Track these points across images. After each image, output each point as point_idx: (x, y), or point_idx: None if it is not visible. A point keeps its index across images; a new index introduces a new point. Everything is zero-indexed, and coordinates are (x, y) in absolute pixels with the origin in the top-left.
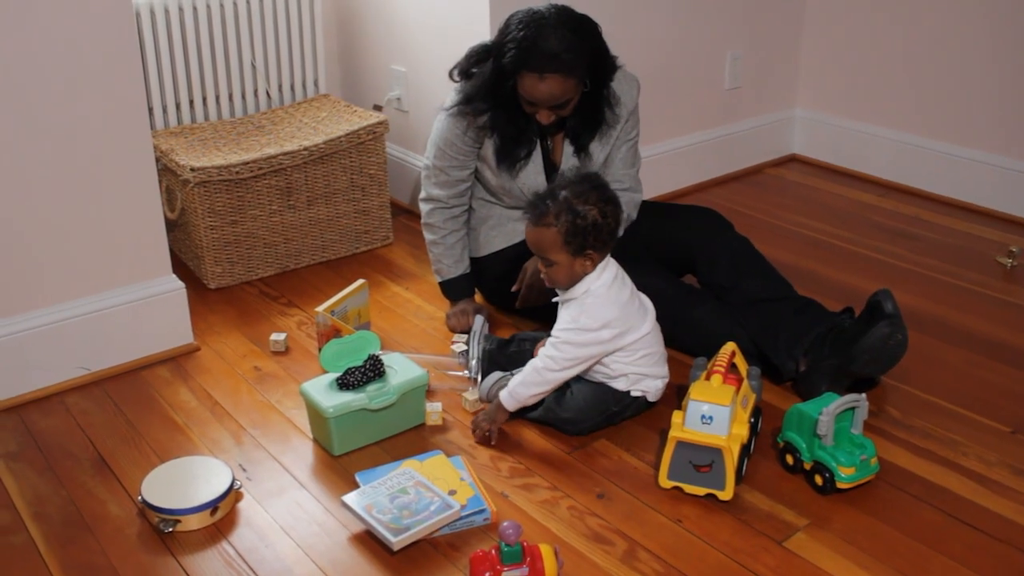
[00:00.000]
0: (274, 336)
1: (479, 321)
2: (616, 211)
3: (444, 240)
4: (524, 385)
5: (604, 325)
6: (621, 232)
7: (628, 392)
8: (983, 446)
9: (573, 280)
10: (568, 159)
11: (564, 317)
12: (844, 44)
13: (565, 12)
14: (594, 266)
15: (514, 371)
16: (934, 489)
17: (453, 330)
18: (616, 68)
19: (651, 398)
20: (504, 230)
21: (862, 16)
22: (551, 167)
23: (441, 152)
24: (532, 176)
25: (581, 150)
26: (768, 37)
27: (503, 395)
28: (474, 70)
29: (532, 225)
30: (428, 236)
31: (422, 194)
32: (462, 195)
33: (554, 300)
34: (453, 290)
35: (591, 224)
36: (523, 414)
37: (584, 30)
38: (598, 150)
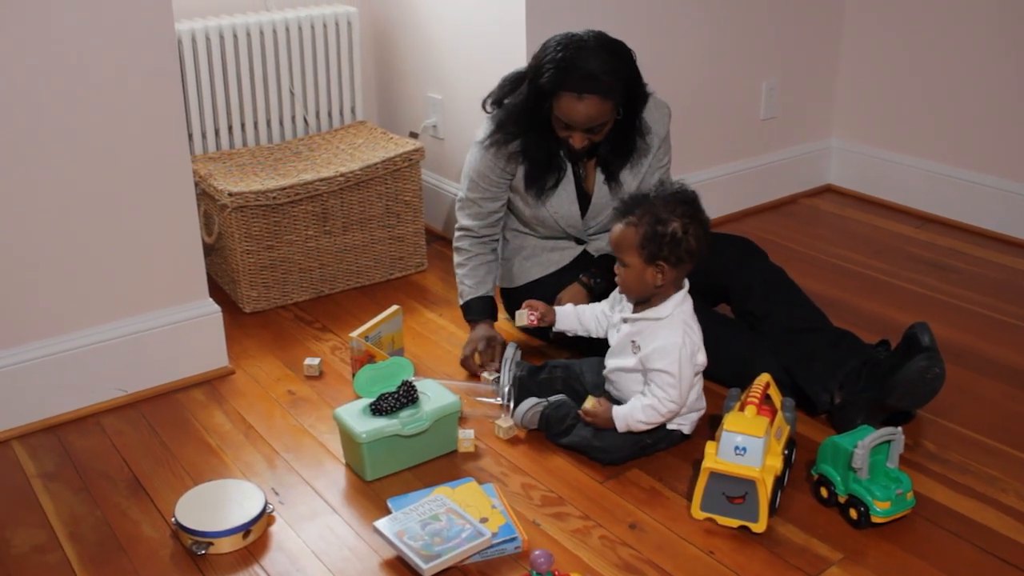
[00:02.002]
0: (308, 361)
1: (511, 348)
2: (700, 232)
3: (468, 262)
4: (644, 423)
5: (699, 348)
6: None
7: (663, 424)
8: (1022, 482)
9: (642, 290)
10: (600, 187)
11: (656, 342)
12: (880, 74)
13: (603, 36)
14: (664, 279)
15: (550, 398)
16: (971, 525)
17: (464, 363)
18: (647, 97)
19: (687, 431)
20: (539, 260)
21: (898, 46)
22: (584, 196)
23: (474, 184)
24: (566, 205)
25: (612, 178)
26: (804, 67)
27: (617, 419)
28: (507, 100)
29: (617, 222)
30: (455, 259)
31: (456, 224)
32: (494, 225)
33: (625, 318)
34: (471, 310)
35: (669, 235)
36: (557, 439)
37: (621, 55)
38: (630, 179)
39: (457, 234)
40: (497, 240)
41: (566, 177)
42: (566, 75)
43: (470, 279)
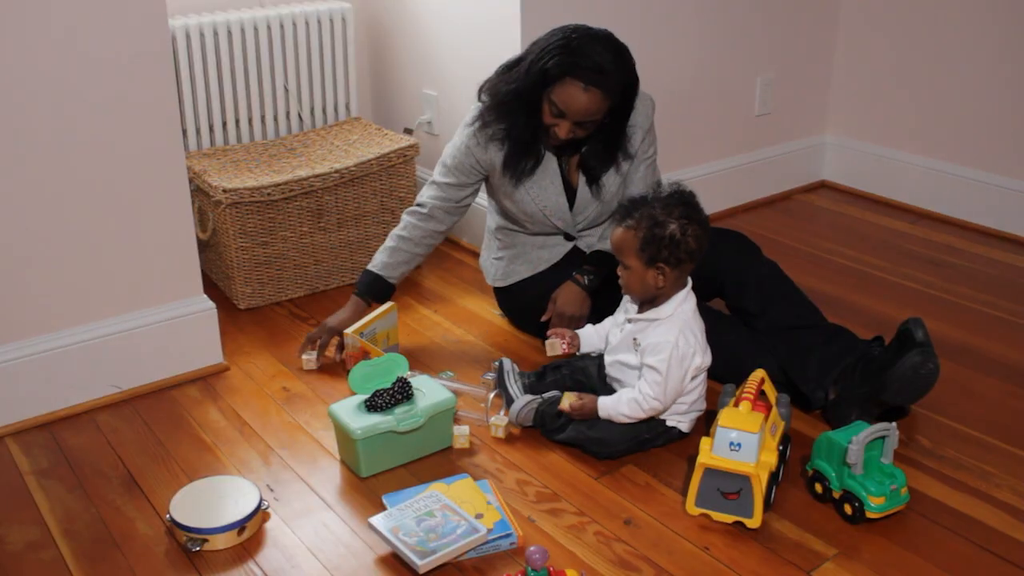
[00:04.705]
0: (306, 355)
1: (507, 362)
2: (699, 232)
3: (398, 242)
4: (626, 416)
5: (695, 351)
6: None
7: (663, 420)
8: (1016, 477)
9: (644, 292)
10: (583, 184)
11: (653, 338)
12: (875, 70)
13: (613, 36)
14: (665, 281)
15: (544, 395)
16: (965, 520)
17: (309, 339)
18: (633, 108)
19: (685, 428)
20: (528, 259)
21: (893, 42)
22: (571, 189)
23: (446, 169)
24: (553, 198)
25: (593, 182)
26: (799, 63)
27: (601, 408)
28: (501, 85)
29: (616, 225)
30: (395, 228)
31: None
32: (447, 212)
33: (629, 319)
34: (362, 282)
35: (668, 237)
36: (553, 435)
37: (627, 58)
38: (614, 177)
39: (410, 208)
40: (437, 237)
41: (551, 170)
42: (576, 62)
43: (386, 255)
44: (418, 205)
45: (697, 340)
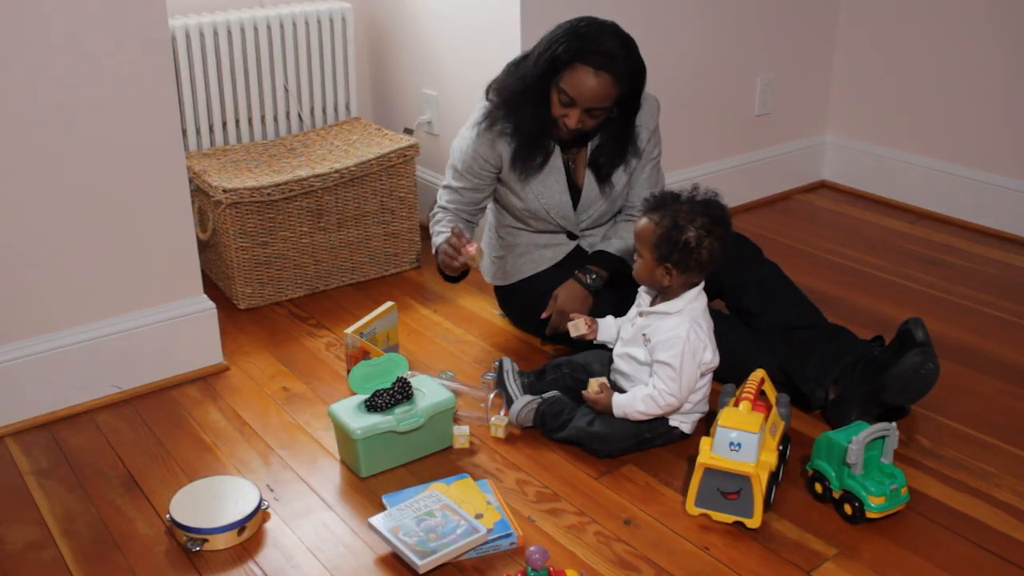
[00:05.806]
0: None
1: (507, 361)
2: (715, 247)
3: (445, 216)
4: (641, 412)
5: (705, 346)
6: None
7: (665, 420)
8: (1016, 477)
9: (651, 284)
10: (590, 183)
11: (662, 334)
12: (874, 70)
13: (619, 27)
14: (671, 281)
15: (544, 395)
16: (965, 520)
17: (446, 249)
18: (640, 105)
19: (687, 429)
20: (531, 257)
21: (893, 42)
22: (575, 188)
23: (458, 174)
24: (557, 196)
25: (602, 180)
26: (798, 63)
27: (616, 406)
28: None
29: (642, 213)
30: (431, 224)
31: (435, 204)
32: (472, 215)
33: (640, 312)
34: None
35: (682, 242)
36: (553, 435)
37: (635, 48)
38: (621, 175)
39: (433, 209)
40: (474, 221)
41: (556, 168)
42: (585, 48)
43: (449, 223)
44: (442, 208)
45: (707, 335)
